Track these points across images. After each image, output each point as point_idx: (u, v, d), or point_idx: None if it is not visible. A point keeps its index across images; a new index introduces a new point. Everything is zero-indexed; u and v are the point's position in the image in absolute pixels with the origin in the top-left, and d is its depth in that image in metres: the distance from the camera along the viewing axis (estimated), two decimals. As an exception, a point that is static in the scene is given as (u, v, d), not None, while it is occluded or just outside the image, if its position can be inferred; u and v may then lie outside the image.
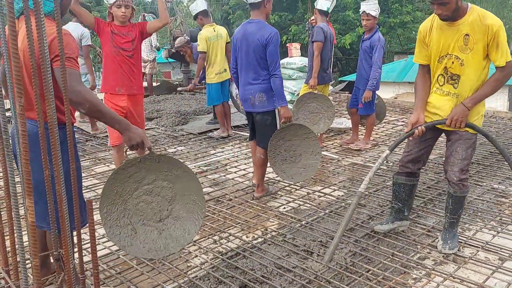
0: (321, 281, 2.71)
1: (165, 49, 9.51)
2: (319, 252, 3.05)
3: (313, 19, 5.64)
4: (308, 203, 3.99)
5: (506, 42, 2.72)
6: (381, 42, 5.17)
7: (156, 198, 2.32)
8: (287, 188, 4.41)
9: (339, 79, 20.17)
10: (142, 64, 8.63)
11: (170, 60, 9.71)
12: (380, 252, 3.07)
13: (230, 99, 6.72)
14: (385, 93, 11.80)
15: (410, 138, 3.02)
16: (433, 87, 3.00)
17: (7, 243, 1.93)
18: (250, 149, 5.81)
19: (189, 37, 8.19)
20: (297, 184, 4.47)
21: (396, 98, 12.04)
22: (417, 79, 3.07)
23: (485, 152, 5.42)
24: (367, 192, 4.16)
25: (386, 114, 7.08)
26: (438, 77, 2.92)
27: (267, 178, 4.49)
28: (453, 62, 2.84)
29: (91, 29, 4.67)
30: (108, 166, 5.14)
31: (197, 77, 6.90)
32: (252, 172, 4.87)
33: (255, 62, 3.75)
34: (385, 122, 7.01)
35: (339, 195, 4.17)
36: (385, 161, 2.98)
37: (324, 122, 5.36)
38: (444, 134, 3.06)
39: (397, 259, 2.98)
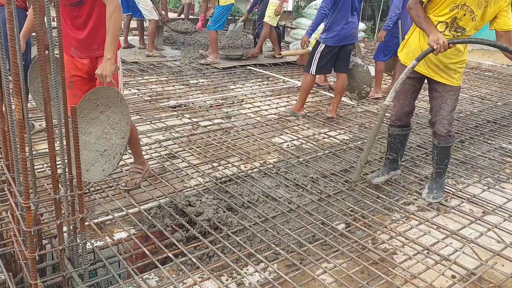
0: (302, 212, 2.89)
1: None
2: (306, 186, 3.21)
3: None
4: (311, 143, 4.10)
5: None
6: None
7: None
8: (294, 127, 4.52)
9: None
10: None
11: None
12: (366, 194, 3.19)
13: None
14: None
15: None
16: None
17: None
18: (269, 88, 5.90)
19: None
20: (305, 124, 4.57)
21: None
22: (416, 10, 2.79)
23: (507, 112, 5.26)
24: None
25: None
26: (438, 24, 2.83)
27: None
28: (465, 14, 2.75)
29: None
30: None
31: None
32: (265, 110, 5.00)
33: (356, 3, 4.51)
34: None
35: (343, 139, 4.25)
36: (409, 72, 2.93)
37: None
38: (428, 84, 3.03)
39: (380, 201, 3.10)
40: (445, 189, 3.22)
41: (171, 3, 17.13)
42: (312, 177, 3.35)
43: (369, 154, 3.24)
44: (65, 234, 2.25)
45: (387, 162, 3.33)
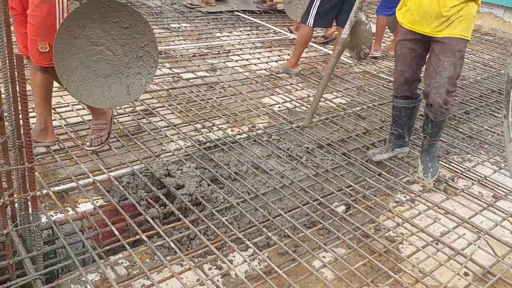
0: (296, 188, 2.54)
1: None
2: (301, 158, 2.84)
3: None
4: (305, 106, 3.70)
5: None
6: None
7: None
8: (287, 86, 4.08)
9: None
10: None
11: None
12: (367, 170, 2.85)
13: None
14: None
15: None
16: None
17: None
18: (258, 38, 5.38)
19: None
20: (299, 84, 4.14)
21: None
22: None
23: (511, 82, 4.94)
24: (371, 104, 3.84)
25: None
26: None
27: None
28: None
29: None
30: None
31: None
32: (255, 64, 4.52)
33: None
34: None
35: (340, 103, 3.86)
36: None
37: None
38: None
39: (383, 179, 2.77)
40: (451, 168, 2.92)
41: None
42: (307, 148, 2.98)
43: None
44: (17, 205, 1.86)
45: (392, 137, 2.96)
